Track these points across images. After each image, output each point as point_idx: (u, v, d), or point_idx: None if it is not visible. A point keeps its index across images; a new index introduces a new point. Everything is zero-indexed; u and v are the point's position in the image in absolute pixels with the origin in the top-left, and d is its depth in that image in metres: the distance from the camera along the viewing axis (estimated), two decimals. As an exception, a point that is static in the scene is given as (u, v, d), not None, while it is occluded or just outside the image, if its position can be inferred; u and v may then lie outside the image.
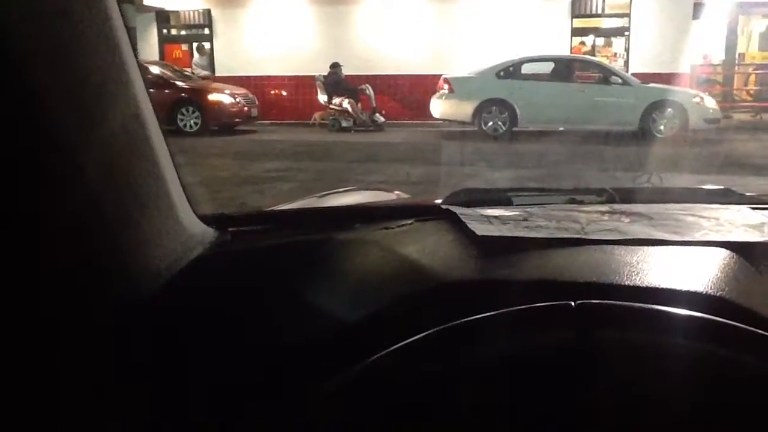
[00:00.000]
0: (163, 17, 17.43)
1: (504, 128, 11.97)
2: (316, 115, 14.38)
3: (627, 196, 1.04)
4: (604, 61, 14.61)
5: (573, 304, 0.49)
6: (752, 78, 15.82)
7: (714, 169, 8.07)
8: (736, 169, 8.03)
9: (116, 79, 0.63)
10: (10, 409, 0.58)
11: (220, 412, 0.62)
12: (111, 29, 0.63)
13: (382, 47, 16.06)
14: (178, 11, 17.35)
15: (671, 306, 0.53)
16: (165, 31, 17.67)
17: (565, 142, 10.80)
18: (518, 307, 0.50)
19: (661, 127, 11.41)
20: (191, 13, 17.37)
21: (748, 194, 1.18)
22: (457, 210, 0.86)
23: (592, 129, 11.51)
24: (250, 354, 0.64)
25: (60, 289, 0.60)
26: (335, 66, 14.17)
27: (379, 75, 15.08)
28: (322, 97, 14.13)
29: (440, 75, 12.91)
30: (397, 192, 1.80)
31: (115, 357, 0.63)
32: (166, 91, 12.88)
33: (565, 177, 7.42)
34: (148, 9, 16.89)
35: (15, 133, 0.53)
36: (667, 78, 13.16)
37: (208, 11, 17.12)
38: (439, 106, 12.65)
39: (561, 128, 12.12)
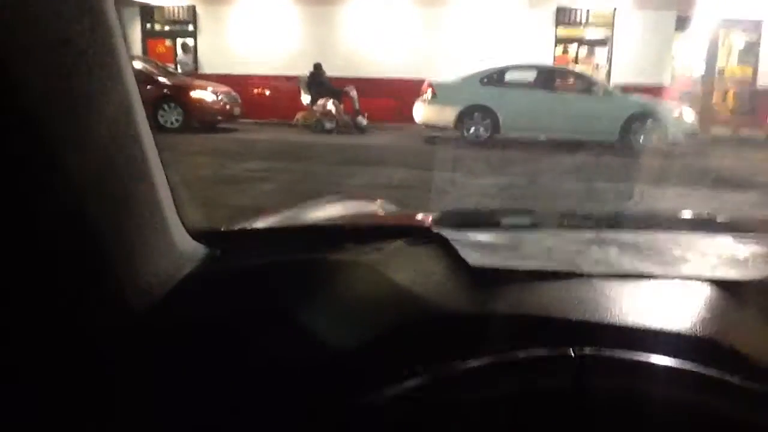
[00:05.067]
0: (146, 12, 17.29)
1: (486, 135, 12.03)
2: (299, 116, 14.34)
3: (613, 221, 1.05)
4: (587, 71, 14.74)
5: (572, 352, 0.49)
6: (731, 93, 16.04)
7: (692, 183, 8.17)
8: (714, 183, 8.13)
9: (109, 86, 0.62)
10: None
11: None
12: (108, 36, 0.62)
13: (367, 49, 16.07)
14: (162, 6, 17.23)
15: (660, 347, 0.54)
16: (148, 26, 17.53)
17: (545, 151, 10.88)
18: (518, 352, 0.51)
19: (641, 139, 11.53)
20: (175, 9, 17.24)
21: (729, 221, 1.20)
22: (448, 234, 0.87)
23: (573, 138, 11.62)
24: (242, 376, 0.64)
25: (48, 306, 0.60)
26: (318, 67, 14.16)
27: (363, 77, 15.08)
28: (306, 98, 14.11)
29: (424, 79, 12.95)
30: (380, 200, 1.80)
31: (104, 376, 0.63)
32: (148, 87, 12.75)
33: (546, 186, 7.48)
34: (132, 3, 16.75)
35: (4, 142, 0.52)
36: (648, 90, 13.30)
37: (193, 7, 17.02)
38: (422, 111, 12.68)
39: (542, 137, 12.21)
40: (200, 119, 12.98)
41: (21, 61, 0.51)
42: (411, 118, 12.96)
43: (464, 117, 12.12)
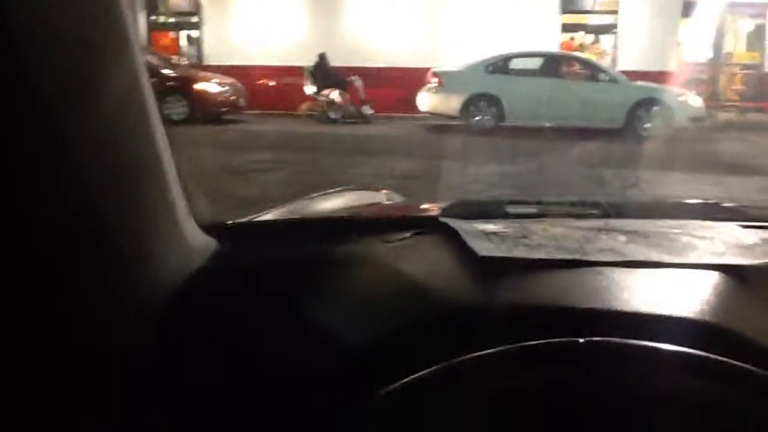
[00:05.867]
0: (151, 4, 17.26)
1: (491, 123, 11.99)
2: (304, 106, 14.31)
3: (621, 210, 1.05)
4: (593, 58, 14.66)
5: (581, 341, 0.50)
6: (738, 77, 15.94)
7: (698, 169, 8.14)
8: (721, 168, 8.10)
9: (123, 85, 0.63)
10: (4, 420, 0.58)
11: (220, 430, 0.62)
12: (120, 28, 0.62)
13: (372, 39, 16.01)
14: (166, -2, 17.22)
15: (669, 335, 0.54)
16: (153, 18, 17.50)
17: (551, 139, 10.83)
18: (528, 343, 0.51)
19: (647, 125, 11.48)
20: (180, 1, 17.21)
21: (737, 207, 1.20)
22: (455, 224, 0.87)
23: (579, 126, 11.58)
24: (252, 372, 0.64)
25: (59, 302, 0.60)
26: (322, 57, 14.11)
27: (368, 67, 15.03)
28: (311, 88, 14.06)
29: (429, 68, 12.90)
30: (385, 191, 1.80)
31: (114, 372, 0.63)
32: (153, 79, 12.60)
33: (553, 174, 7.46)
34: (136, -5, 16.73)
35: (14, 136, 0.52)
36: (654, 76, 13.22)
37: (197, -1, 17.00)
38: (427, 100, 12.64)
39: (548, 124, 12.16)
40: (205, 111, 12.96)
41: (39, 61, 0.52)
42: (416, 108, 12.93)
43: (469, 105, 12.08)
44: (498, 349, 0.51)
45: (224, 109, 13.50)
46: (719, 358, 0.49)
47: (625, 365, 0.50)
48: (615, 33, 16.07)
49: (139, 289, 0.66)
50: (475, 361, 0.51)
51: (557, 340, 0.51)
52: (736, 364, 0.48)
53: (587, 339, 0.50)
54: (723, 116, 14.00)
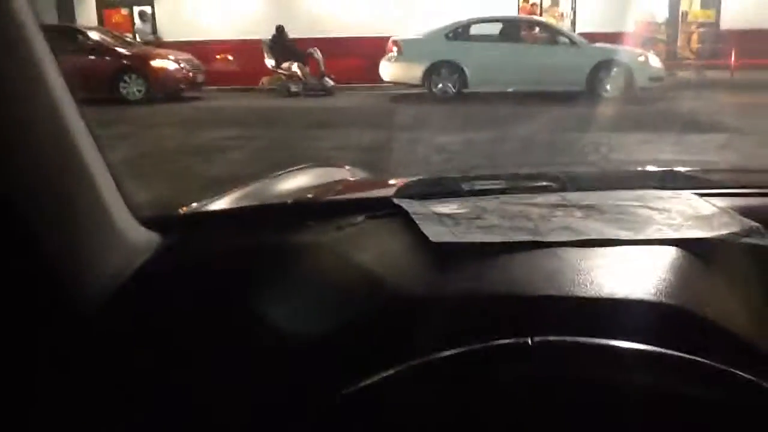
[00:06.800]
0: (99, -20, 16.80)
1: (454, 90, 11.99)
2: (264, 80, 14.13)
3: (578, 182, 1.04)
4: (552, 21, 14.67)
5: (530, 341, 0.48)
6: (695, 36, 16.10)
7: (659, 128, 8.24)
8: (679, 127, 8.21)
9: (28, 77, 0.59)
10: None
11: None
12: (16, 23, 0.58)
13: (330, 9, 15.82)
14: (115, -27, 16.74)
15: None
16: (102, -6, 17.03)
17: (514, 104, 10.86)
18: (476, 346, 0.49)
19: (608, 87, 11.56)
20: (130, -24, 16.77)
21: (694, 174, 1.20)
22: (409, 207, 0.85)
23: (541, 90, 11.62)
24: (202, 372, 0.62)
25: None
26: (280, 30, 13.91)
27: (327, 38, 14.85)
28: (270, 62, 13.87)
29: (389, 37, 12.80)
30: (348, 167, 1.77)
31: (53, 381, 0.61)
32: (107, 58, 12.48)
33: (514, 139, 7.48)
34: (84, -29, 16.25)
35: None
36: (613, 37, 13.28)
37: (148, -27, 16.57)
38: (388, 69, 12.57)
39: (510, 89, 12.19)
40: (163, 89, 12.72)
41: None
42: (379, 77, 12.84)
43: (431, 73, 12.04)
44: (449, 352, 0.49)
45: (182, 87, 13.25)
46: (673, 353, 0.48)
47: (578, 365, 0.49)
48: (573, -5, 16.09)
49: (76, 294, 0.63)
50: (425, 364, 0.49)
51: (506, 341, 0.49)
52: (692, 359, 0.47)
53: (539, 339, 0.48)
54: (682, 75, 14.16)
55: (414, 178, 1.17)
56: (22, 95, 0.58)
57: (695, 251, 0.70)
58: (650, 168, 1.24)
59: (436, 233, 0.75)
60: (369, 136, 8.00)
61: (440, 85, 12.03)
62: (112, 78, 12.24)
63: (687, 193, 0.91)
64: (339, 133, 8.41)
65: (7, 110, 0.56)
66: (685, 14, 16.28)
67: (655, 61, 12.05)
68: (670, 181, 1.05)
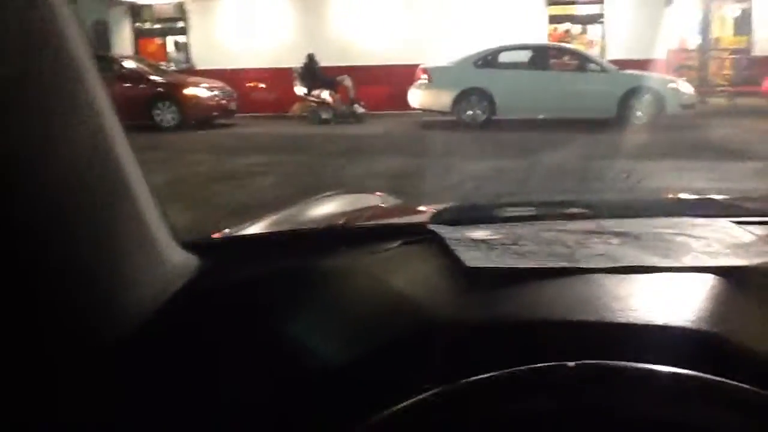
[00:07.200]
0: (135, 11, 17.22)
1: (483, 117, 12.01)
2: (295, 108, 14.29)
3: (613, 208, 1.04)
4: (581, 48, 14.66)
5: (570, 365, 0.48)
6: (727, 63, 15.96)
7: (691, 155, 8.14)
8: (712, 154, 8.11)
9: (77, 98, 0.61)
10: None
11: None
12: (68, 42, 0.60)
13: (360, 37, 16.00)
14: (150, 5, 17.15)
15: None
16: (138, 25, 17.45)
17: (544, 131, 10.83)
18: (514, 369, 0.49)
19: (639, 114, 11.49)
20: (164, 7, 17.16)
21: (730, 201, 1.18)
22: (444, 232, 0.85)
23: (571, 117, 11.59)
24: (236, 394, 0.62)
25: (33, 334, 0.58)
26: (311, 57, 14.09)
27: (357, 66, 15.01)
28: (301, 89, 14.03)
29: (418, 65, 12.89)
30: (379, 193, 1.78)
31: (93, 399, 0.62)
32: (142, 86, 12.74)
33: (545, 167, 7.45)
34: (120, 2, 16.67)
35: None
36: (644, 64, 13.22)
37: (182, 4, 16.94)
38: (417, 96, 12.65)
39: (540, 116, 12.17)
40: (196, 116, 12.94)
41: None
42: (408, 104, 12.91)
43: (460, 100, 12.09)
44: (483, 376, 0.49)
45: (215, 114, 13.46)
46: (716, 378, 0.47)
47: (619, 390, 0.48)
48: (602, 22, 16.07)
49: (117, 314, 0.64)
50: (461, 389, 0.49)
51: (546, 365, 0.49)
52: (735, 385, 0.46)
53: (578, 363, 0.48)
54: (713, 101, 14.02)
55: (446, 205, 1.17)
56: (75, 118, 0.60)
57: (733, 279, 0.69)
58: (685, 195, 1.23)
59: (471, 258, 0.75)
60: (399, 162, 8.03)
61: (469, 112, 12.06)
62: (146, 105, 12.47)
63: (723, 221, 0.90)
64: (367, 160, 8.45)
65: (63, 131, 0.58)
66: (717, 40, 16.17)
67: (687, 88, 11.96)
68: (705, 208, 1.04)
